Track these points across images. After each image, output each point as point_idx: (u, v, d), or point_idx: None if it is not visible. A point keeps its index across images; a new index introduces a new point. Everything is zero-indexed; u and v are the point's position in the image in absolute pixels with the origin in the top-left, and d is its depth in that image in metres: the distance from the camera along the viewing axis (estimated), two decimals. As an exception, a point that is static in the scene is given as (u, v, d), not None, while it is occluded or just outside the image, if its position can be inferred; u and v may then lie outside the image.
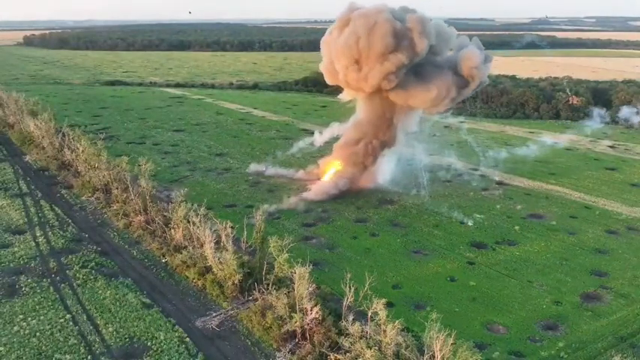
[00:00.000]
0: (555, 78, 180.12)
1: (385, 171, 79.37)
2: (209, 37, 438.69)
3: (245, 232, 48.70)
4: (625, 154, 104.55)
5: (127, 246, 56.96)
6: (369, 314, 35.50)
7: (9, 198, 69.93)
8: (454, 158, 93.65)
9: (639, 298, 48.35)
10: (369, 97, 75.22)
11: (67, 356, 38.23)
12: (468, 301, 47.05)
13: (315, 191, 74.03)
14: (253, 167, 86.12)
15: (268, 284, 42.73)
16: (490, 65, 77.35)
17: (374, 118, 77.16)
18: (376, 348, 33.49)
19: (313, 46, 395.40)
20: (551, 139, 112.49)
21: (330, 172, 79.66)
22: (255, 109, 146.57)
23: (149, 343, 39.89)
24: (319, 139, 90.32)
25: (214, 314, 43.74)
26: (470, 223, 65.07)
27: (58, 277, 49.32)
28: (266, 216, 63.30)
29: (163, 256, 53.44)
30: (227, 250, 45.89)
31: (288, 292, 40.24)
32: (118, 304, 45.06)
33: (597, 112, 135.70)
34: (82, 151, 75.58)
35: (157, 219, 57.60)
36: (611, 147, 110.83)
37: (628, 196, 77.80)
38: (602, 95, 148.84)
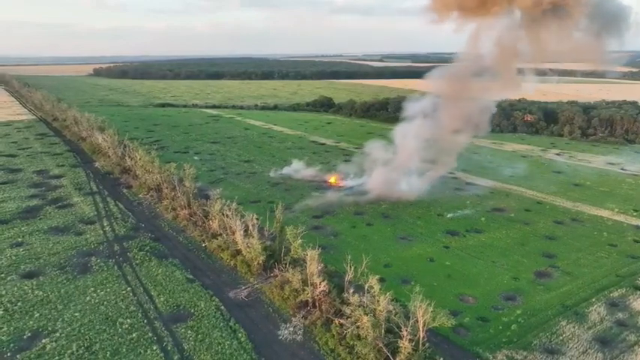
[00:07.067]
0: (513, 99, 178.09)
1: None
2: (238, 69, 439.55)
3: (267, 223, 48.64)
4: (569, 161, 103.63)
5: (174, 233, 57.13)
6: (366, 288, 35.32)
7: (82, 195, 70.46)
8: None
9: (581, 275, 47.98)
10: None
11: (128, 320, 38.46)
12: (444, 278, 46.85)
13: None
14: (288, 169, 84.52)
15: (286, 264, 42.70)
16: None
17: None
18: (371, 314, 33.37)
19: (321, 75, 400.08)
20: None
21: (333, 176, 79.73)
22: (274, 125, 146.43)
23: (192, 310, 40.07)
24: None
25: (243, 287, 43.75)
26: (459, 213, 64.86)
27: (120, 258, 49.62)
28: (307, 209, 64.02)
29: (203, 241, 53.62)
30: (253, 237, 45.92)
31: (302, 270, 40.11)
32: (167, 279, 45.29)
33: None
34: (139, 159, 75.96)
35: (198, 212, 57.77)
36: (557, 155, 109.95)
37: (571, 193, 77.09)
38: (551, 114, 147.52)
